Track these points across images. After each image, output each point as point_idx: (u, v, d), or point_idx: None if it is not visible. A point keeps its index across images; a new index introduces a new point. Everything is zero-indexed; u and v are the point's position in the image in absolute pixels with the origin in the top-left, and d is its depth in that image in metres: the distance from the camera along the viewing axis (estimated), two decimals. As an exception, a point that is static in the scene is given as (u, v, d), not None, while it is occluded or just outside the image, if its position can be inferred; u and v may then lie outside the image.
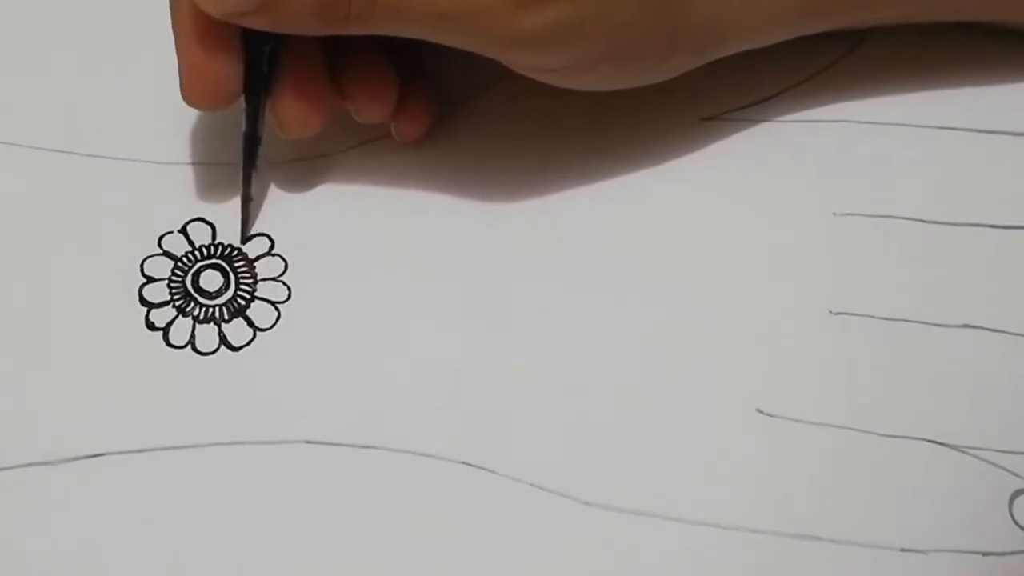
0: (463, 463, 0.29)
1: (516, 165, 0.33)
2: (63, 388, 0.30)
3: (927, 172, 0.33)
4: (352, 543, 0.28)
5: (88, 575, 0.28)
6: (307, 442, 0.29)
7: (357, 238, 0.32)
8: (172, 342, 0.31)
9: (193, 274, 0.32)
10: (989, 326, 0.30)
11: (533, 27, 0.27)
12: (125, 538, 0.28)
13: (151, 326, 0.31)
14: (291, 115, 0.31)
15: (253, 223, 0.33)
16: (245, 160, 0.32)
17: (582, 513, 0.28)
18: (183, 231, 0.33)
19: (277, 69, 0.30)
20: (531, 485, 0.29)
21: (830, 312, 0.31)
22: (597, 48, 0.28)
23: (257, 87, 0.31)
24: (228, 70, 0.30)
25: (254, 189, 0.32)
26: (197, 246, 0.33)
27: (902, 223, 0.32)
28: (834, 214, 0.32)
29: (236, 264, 0.32)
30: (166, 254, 0.32)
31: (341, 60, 0.31)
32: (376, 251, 0.32)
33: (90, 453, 0.29)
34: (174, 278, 0.32)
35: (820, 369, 0.30)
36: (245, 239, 0.32)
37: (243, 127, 0.32)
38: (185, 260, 0.32)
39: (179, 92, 0.30)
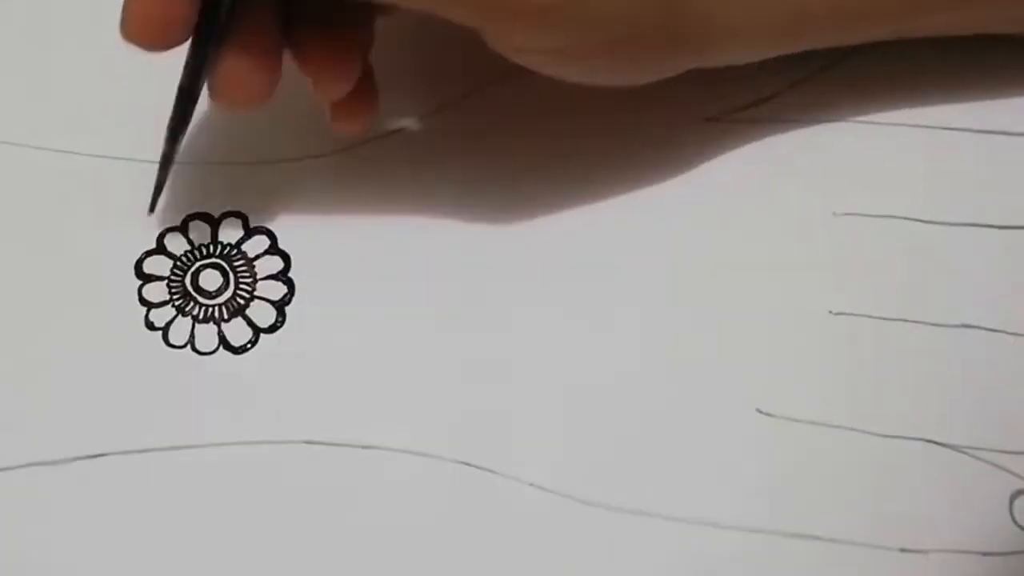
0: (463, 463, 0.29)
1: (517, 165, 0.33)
2: (63, 388, 0.30)
3: (927, 172, 0.33)
4: (352, 543, 0.28)
5: (88, 575, 0.28)
6: (307, 442, 0.29)
7: (358, 237, 0.32)
8: (171, 342, 0.31)
9: (192, 273, 0.32)
10: (989, 326, 0.30)
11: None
12: (125, 538, 0.28)
13: (150, 326, 0.31)
14: (233, 76, 0.28)
15: (161, 189, 0.31)
16: (175, 115, 0.29)
17: (582, 513, 0.28)
18: (182, 230, 0.33)
19: (230, 24, 0.27)
20: (531, 485, 0.29)
21: (830, 312, 0.31)
22: (595, 32, 0.27)
23: (207, 38, 0.27)
24: (180, 11, 0.27)
25: (178, 153, 0.30)
26: (196, 245, 0.33)
27: (902, 223, 0.32)
28: (834, 214, 0.32)
29: (235, 263, 0.32)
30: (165, 253, 0.32)
31: (300, 27, 0.29)
32: (377, 250, 0.32)
33: (90, 453, 0.29)
34: (173, 278, 0.32)
35: (820, 369, 0.30)
36: (154, 206, 0.31)
37: (181, 80, 0.29)
38: (184, 259, 0.32)
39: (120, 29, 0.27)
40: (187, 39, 0.28)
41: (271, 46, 0.28)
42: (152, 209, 0.31)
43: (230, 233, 0.33)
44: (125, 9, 0.27)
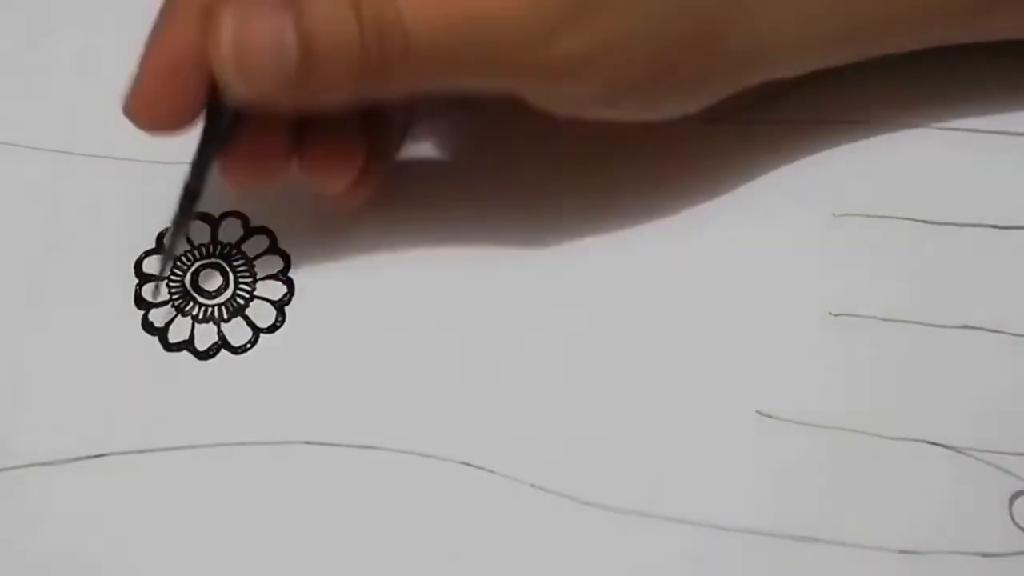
0: (463, 463, 0.29)
1: (516, 164, 0.33)
2: (63, 388, 0.30)
3: (927, 172, 0.33)
4: (352, 543, 0.28)
5: (88, 575, 0.28)
6: (307, 442, 0.29)
7: (357, 236, 0.32)
8: (171, 342, 0.31)
9: (192, 273, 0.32)
10: (989, 326, 0.30)
11: (567, 53, 0.26)
12: (125, 538, 0.28)
13: (150, 326, 0.31)
14: (237, 170, 0.29)
15: (167, 274, 0.31)
16: (180, 214, 0.30)
17: (582, 513, 0.28)
18: (183, 230, 0.33)
19: (238, 124, 0.28)
20: (531, 485, 0.29)
21: (830, 312, 0.31)
22: (630, 74, 0.27)
23: (212, 139, 0.28)
24: (187, 109, 0.27)
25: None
26: (196, 245, 0.33)
27: (902, 223, 0.32)
28: (834, 214, 0.32)
29: (235, 263, 0.32)
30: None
31: (309, 131, 0.29)
32: (376, 249, 0.32)
33: (91, 453, 0.29)
34: (173, 277, 0.32)
35: (820, 369, 0.30)
36: (156, 296, 0.31)
37: (186, 179, 0.29)
38: (184, 259, 0.32)
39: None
40: (186, 129, 0.28)
41: (278, 146, 0.29)
42: (154, 297, 0.31)
43: (230, 233, 0.33)
44: (131, 87, 0.27)
